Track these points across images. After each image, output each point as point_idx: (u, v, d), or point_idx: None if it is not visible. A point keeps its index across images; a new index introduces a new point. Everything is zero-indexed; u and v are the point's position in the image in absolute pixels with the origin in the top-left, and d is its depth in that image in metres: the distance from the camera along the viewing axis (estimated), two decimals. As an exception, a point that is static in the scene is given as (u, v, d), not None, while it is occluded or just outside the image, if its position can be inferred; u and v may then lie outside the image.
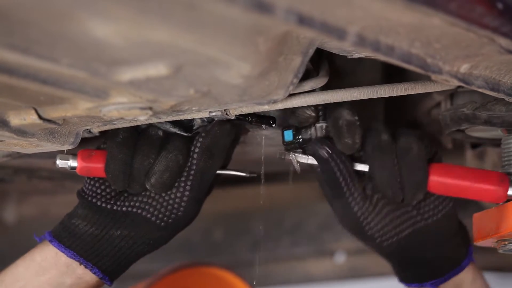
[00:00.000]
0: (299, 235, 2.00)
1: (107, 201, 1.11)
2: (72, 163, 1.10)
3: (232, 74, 0.86)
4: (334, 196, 1.08)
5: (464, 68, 0.90)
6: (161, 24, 0.73)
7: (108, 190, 1.12)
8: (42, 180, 1.54)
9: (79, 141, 1.07)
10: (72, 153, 1.11)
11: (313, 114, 1.08)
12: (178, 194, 1.09)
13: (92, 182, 1.13)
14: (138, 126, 1.10)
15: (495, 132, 1.14)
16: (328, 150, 1.06)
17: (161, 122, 1.08)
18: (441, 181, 1.07)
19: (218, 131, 1.08)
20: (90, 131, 1.07)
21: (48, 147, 1.05)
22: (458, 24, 0.77)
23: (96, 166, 1.10)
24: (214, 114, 1.03)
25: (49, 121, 0.97)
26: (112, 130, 1.09)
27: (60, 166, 1.11)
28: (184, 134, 1.10)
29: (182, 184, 1.09)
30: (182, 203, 1.09)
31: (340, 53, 0.95)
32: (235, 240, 2.02)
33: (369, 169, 1.07)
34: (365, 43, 0.78)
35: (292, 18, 0.71)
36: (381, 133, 1.06)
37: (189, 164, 1.09)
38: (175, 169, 1.08)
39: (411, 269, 1.15)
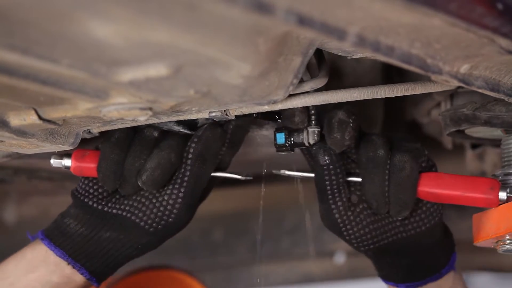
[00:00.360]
0: (299, 235, 1.99)
1: (98, 202, 1.11)
2: (66, 162, 1.11)
3: (232, 75, 0.86)
4: (319, 199, 1.10)
5: (464, 68, 0.90)
6: (161, 25, 0.73)
7: (100, 190, 1.11)
8: (42, 180, 1.54)
9: (79, 141, 1.07)
10: (67, 153, 1.11)
11: (299, 108, 1.08)
12: (171, 201, 1.08)
13: (86, 182, 1.12)
14: (136, 126, 1.09)
15: (495, 132, 1.14)
16: (328, 159, 1.07)
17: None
18: (431, 191, 1.08)
19: (210, 135, 1.08)
20: (90, 132, 1.07)
21: (48, 147, 1.05)
22: (458, 25, 0.77)
23: (89, 166, 1.10)
24: (214, 114, 1.03)
25: (49, 121, 0.96)
26: (110, 130, 1.08)
27: (54, 165, 1.11)
28: (188, 132, 1.09)
29: (175, 191, 1.08)
30: (174, 210, 1.09)
31: (340, 54, 0.95)
32: (235, 240, 2.01)
33: (361, 179, 1.08)
34: (365, 44, 0.78)
35: (292, 18, 0.71)
36: (378, 148, 1.06)
37: (182, 170, 1.08)
38: (167, 167, 1.07)
39: (388, 270, 1.16)
